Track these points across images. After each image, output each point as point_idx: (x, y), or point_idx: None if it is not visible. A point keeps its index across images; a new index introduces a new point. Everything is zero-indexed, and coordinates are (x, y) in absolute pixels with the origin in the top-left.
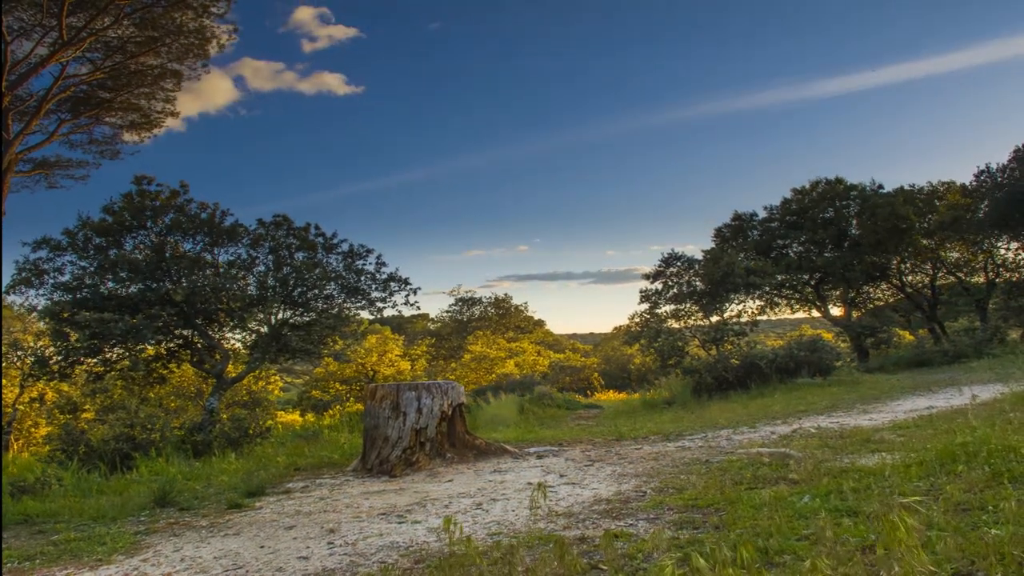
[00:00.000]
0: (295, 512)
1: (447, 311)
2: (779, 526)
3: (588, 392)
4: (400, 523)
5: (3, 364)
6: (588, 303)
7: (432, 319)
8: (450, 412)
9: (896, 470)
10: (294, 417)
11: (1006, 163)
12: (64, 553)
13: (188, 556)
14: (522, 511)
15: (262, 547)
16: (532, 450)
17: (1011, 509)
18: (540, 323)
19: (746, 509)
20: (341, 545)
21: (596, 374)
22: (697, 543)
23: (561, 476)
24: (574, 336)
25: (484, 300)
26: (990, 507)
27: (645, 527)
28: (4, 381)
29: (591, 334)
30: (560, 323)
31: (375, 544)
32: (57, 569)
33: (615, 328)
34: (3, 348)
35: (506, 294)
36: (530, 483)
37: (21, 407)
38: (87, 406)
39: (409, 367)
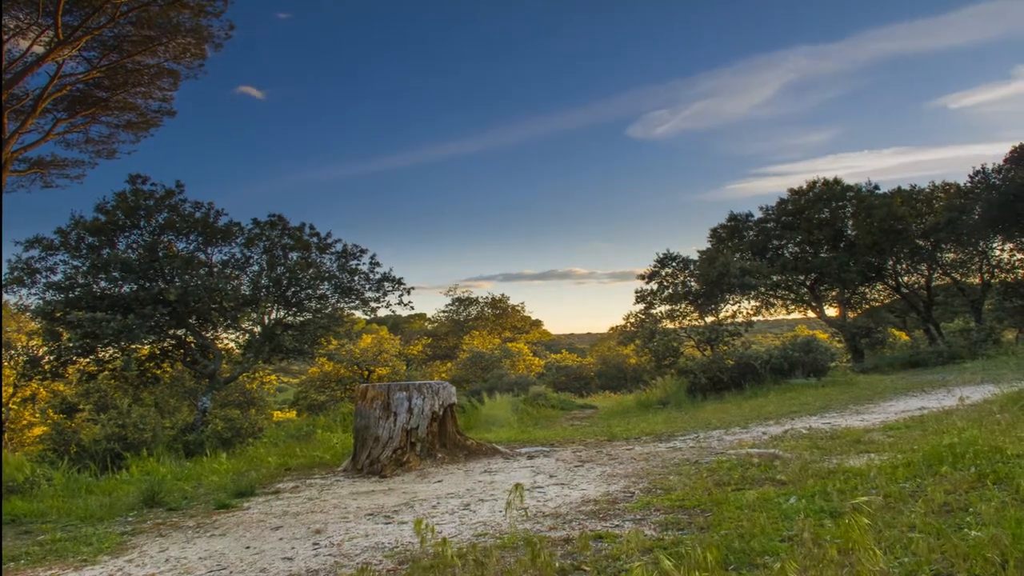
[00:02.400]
0: (283, 512)
1: (444, 311)
2: (763, 527)
3: (584, 392)
4: (387, 524)
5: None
6: (588, 303)
7: (429, 319)
8: (441, 413)
9: (882, 471)
10: (291, 415)
11: (1002, 164)
12: (49, 553)
13: (173, 557)
14: (515, 510)
15: (247, 548)
16: (524, 450)
17: (991, 511)
18: (537, 323)
19: (732, 510)
20: (326, 546)
21: (592, 374)
22: (680, 544)
23: (551, 477)
24: (571, 336)
25: (481, 300)
26: (971, 509)
27: (631, 528)
28: None
29: (588, 334)
30: (557, 324)
31: (360, 545)
32: (42, 570)
33: (611, 328)
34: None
35: (503, 294)
36: (520, 484)
37: (14, 407)
38: (81, 406)
39: (405, 367)
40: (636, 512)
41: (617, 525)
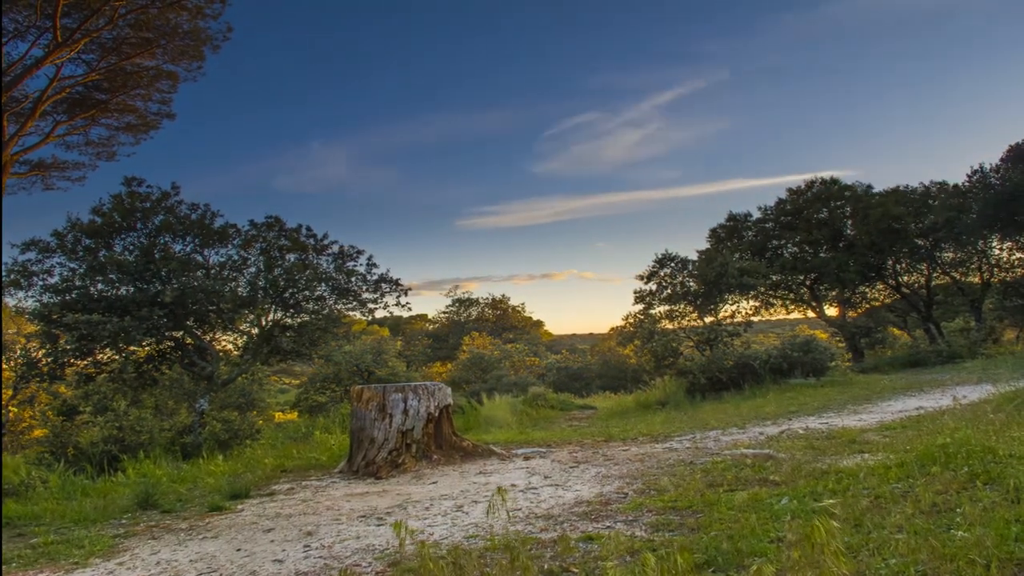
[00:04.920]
0: (275, 515)
1: (444, 311)
2: (753, 528)
3: (584, 393)
4: (379, 526)
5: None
6: (589, 304)
7: (430, 319)
8: (437, 414)
9: (874, 471)
10: (292, 416)
11: (998, 163)
12: (41, 556)
13: (164, 559)
14: (501, 513)
15: (238, 550)
16: (520, 452)
17: (977, 512)
18: (538, 324)
19: (723, 511)
20: (317, 548)
21: (593, 375)
22: (666, 546)
23: (545, 478)
24: (573, 337)
25: (482, 301)
26: (960, 509)
27: (623, 529)
28: None
29: (590, 334)
30: (558, 324)
31: (351, 547)
32: (32, 573)
33: (612, 329)
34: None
35: (503, 295)
36: (514, 485)
37: (14, 409)
38: (82, 408)
39: (405, 368)
40: (628, 513)
41: (608, 526)
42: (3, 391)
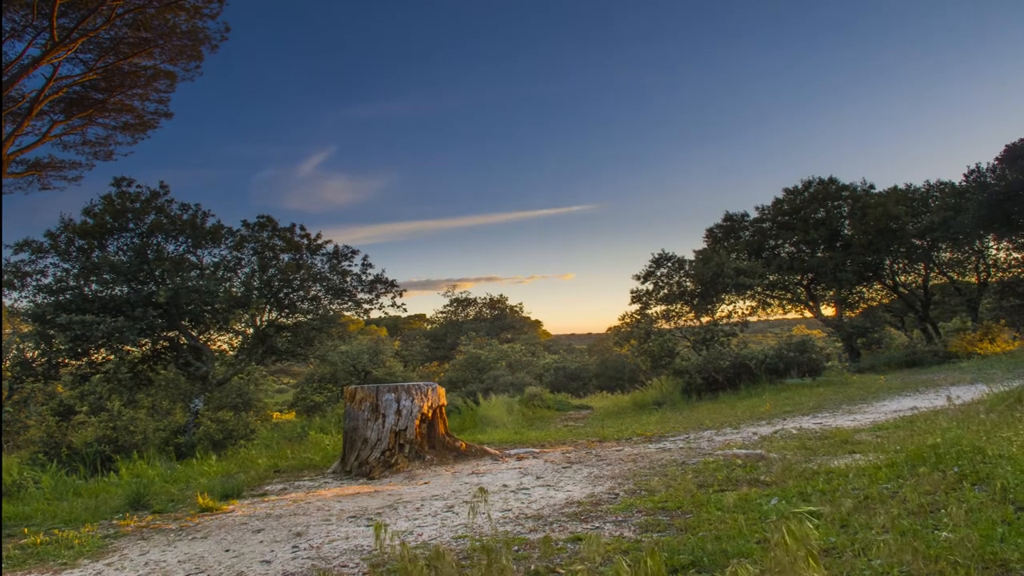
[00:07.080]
0: (266, 515)
1: (442, 311)
2: (740, 529)
3: (582, 392)
4: (368, 526)
5: None
6: (588, 303)
7: (428, 319)
8: (430, 414)
9: (864, 472)
10: (290, 416)
11: (994, 162)
12: (30, 557)
13: (153, 560)
14: (493, 514)
15: (227, 551)
16: (514, 452)
17: (962, 513)
18: (536, 324)
19: (713, 512)
20: (306, 549)
21: (591, 375)
22: (656, 546)
23: (537, 478)
24: (571, 336)
25: (479, 300)
26: (946, 510)
27: (612, 530)
28: None
29: (589, 334)
30: (557, 324)
31: (339, 547)
32: (21, 573)
33: (609, 328)
34: None
35: (501, 294)
36: (506, 485)
37: (10, 410)
38: (78, 407)
39: (402, 367)
40: (618, 514)
41: (598, 527)
42: (1, 391)
